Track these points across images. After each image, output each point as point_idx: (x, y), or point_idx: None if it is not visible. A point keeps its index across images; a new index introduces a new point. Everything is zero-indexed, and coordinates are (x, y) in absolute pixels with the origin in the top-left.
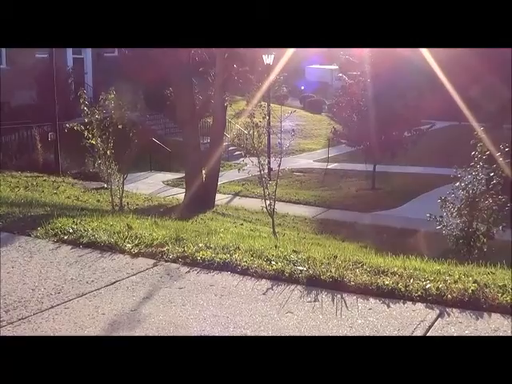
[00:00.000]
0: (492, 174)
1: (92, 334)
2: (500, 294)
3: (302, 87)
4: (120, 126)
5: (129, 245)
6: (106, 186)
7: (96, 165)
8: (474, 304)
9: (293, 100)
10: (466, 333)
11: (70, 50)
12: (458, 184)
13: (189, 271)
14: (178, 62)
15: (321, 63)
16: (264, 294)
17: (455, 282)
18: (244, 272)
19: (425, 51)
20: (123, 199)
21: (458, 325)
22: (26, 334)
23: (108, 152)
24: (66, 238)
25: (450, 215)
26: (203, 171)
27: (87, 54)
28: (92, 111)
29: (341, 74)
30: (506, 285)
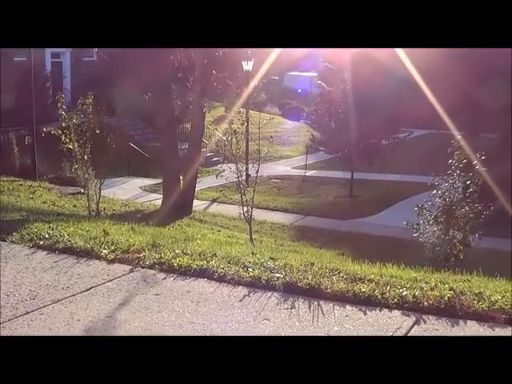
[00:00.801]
0: (469, 182)
1: None
2: (476, 302)
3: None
4: (98, 131)
5: (105, 251)
6: (82, 191)
7: (73, 169)
8: (450, 311)
9: (271, 107)
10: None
11: (48, 54)
12: (434, 192)
13: (165, 277)
14: (157, 68)
15: (300, 70)
16: (241, 300)
17: (431, 289)
18: (221, 279)
19: (404, 59)
20: (100, 204)
21: (435, 332)
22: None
23: (85, 157)
24: (41, 243)
25: (426, 223)
26: (181, 177)
27: (66, 58)
28: (70, 115)
29: (320, 82)
30: (482, 292)
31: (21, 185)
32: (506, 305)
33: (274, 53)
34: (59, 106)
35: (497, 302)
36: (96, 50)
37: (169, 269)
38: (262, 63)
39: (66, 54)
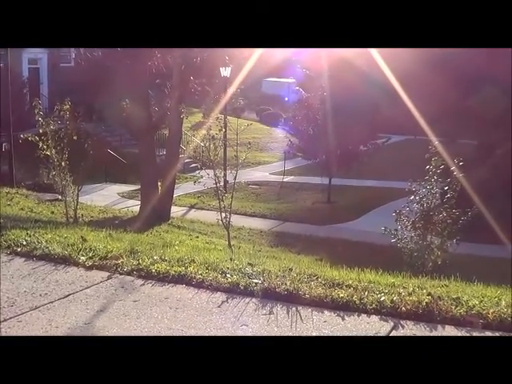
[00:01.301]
0: (446, 188)
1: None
2: (454, 307)
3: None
4: (75, 137)
5: (83, 257)
6: (60, 197)
7: (50, 176)
8: (428, 316)
9: (249, 113)
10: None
11: (25, 60)
12: (412, 197)
13: (143, 284)
14: (135, 74)
15: (278, 76)
16: (219, 306)
17: (409, 294)
18: (199, 285)
19: (382, 65)
20: (78, 211)
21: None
22: None
23: (63, 163)
24: (19, 250)
25: (404, 228)
26: (159, 183)
27: (43, 64)
28: (47, 122)
29: (298, 88)
30: (460, 297)
31: None
32: (484, 310)
33: (253, 59)
34: (36, 112)
35: (474, 306)
36: (73, 55)
37: (147, 275)
38: (240, 69)
39: (43, 60)
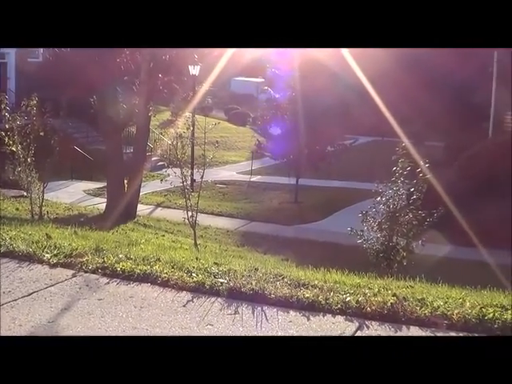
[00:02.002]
0: (412, 190)
1: None
2: (418, 307)
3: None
4: (41, 133)
5: (48, 255)
6: (25, 194)
7: (16, 172)
8: (393, 317)
9: (218, 112)
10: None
11: None
12: (379, 199)
13: (108, 282)
14: (103, 70)
15: (247, 76)
16: (184, 306)
17: (375, 295)
18: (164, 284)
19: (352, 66)
20: (43, 208)
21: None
22: None
23: (28, 159)
24: None
25: (370, 229)
26: (125, 181)
27: (11, 58)
28: (13, 117)
29: (266, 87)
30: (425, 298)
31: None
32: (448, 310)
33: (222, 58)
34: (2, 107)
35: (439, 307)
36: (42, 51)
37: (112, 273)
38: (209, 68)
39: (11, 55)
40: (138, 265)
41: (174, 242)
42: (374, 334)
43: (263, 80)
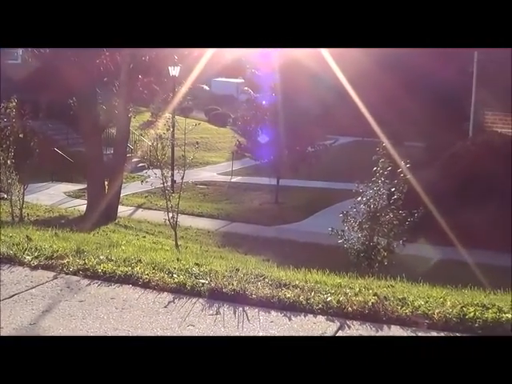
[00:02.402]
0: (393, 190)
1: None
2: (399, 307)
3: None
4: (21, 135)
5: (28, 257)
6: (5, 196)
7: None
8: (374, 316)
9: (198, 112)
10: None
11: None
12: (359, 199)
13: (89, 284)
14: (82, 72)
15: (227, 76)
16: (165, 307)
17: (356, 294)
18: (145, 285)
19: (332, 67)
20: (23, 210)
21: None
22: None
23: (8, 161)
24: None
25: (351, 229)
26: (106, 183)
27: None
28: None
29: (246, 88)
30: (406, 297)
31: None
32: (429, 310)
33: (202, 58)
34: None
35: (420, 307)
36: (21, 52)
37: (93, 275)
38: (189, 69)
39: None
40: (119, 266)
41: (154, 243)
42: (355, 334)
43: (243, 81)
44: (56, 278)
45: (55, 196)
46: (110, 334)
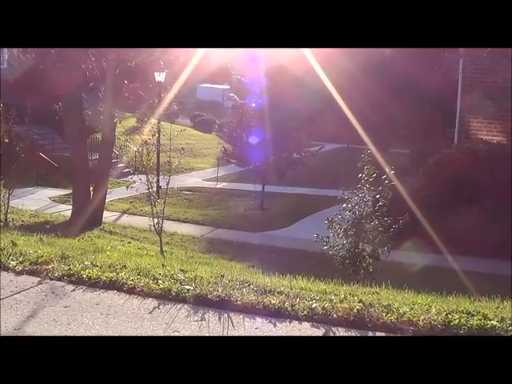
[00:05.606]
0: (378, 196)
1: None
2: (385, 314)
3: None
4: (6, 140)
5: (13, 262)
6: None
7: None
8: (360, 323)
9: (183, 118)
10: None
11: None
12: (344, 205)
13: (74, 289)
14: (68, 77)
15: (212, 82)
16: (150, 313)
17: (341, 301)
18: (130, 291)
19: (319, 73)
20: (8, 215)
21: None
22: None
23: None
24: None
25: (336, 236)
26: (91, 188)
27: None
28: None
29: (232, 94)
30: (391, 304)
31: None
32: (414, 317)
33: (188, 64)
34: None
35: (405, 313)
36: (6, 57)
37: (78, 281)
38: (175, 75)
39: None
40: (104, 272)
41: (140, 248)
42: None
43: (229, 87)
44: (41, 283)
45: (40, 201)
46: None
